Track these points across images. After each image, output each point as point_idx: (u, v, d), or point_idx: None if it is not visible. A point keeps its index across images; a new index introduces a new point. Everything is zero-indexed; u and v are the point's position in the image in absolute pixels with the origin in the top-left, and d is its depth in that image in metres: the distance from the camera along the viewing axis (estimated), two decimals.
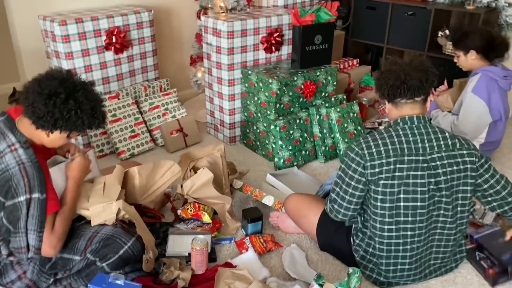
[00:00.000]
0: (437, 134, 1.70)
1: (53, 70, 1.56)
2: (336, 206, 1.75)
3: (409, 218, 1.66)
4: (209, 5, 3.14)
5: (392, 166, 1.63)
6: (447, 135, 1.71)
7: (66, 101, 1.48)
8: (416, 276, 1.77)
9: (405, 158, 1.64)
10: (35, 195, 1.52)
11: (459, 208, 1.73)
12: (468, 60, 2.59)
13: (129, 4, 3.14)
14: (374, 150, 1.64)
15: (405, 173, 1.63)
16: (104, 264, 1.63)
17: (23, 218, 1.53)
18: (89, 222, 1.73)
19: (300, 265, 1.88)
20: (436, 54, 3.49)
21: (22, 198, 1.51)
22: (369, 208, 1.71)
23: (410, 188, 1.64)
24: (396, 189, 1.64)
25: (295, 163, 2.70)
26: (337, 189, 1.74)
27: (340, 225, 1.84)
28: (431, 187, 1.66)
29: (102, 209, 1.70)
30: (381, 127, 2.74)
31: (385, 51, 3.82)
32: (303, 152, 2.74)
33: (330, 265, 1.92)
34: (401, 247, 1.69)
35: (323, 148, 2.78)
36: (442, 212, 1.71)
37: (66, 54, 2.61)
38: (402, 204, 1.65)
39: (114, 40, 2.76)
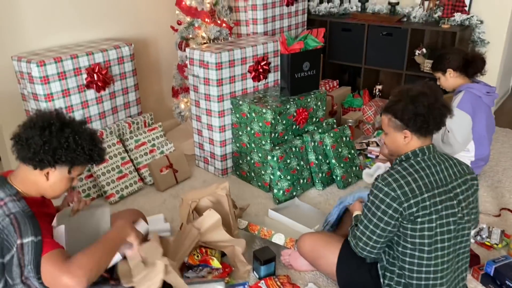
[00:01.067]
0: (449, 161, 1.68)
1: (42, 110, 1.52)
2: (361, 244, 1.67)
3: (445, 251, 1.63)
4: (190, 36, 3.07)
5: (427, 203, 1.58)
6: (454, 161, 1.69)
7: (62, 129, 1.44)
8: None
9: (436, 191, 1.60)
10: (28, 239, 1.38)
11: (468, 232, 1.72)
12: (448, 79, 2.66)
13: (104, 38, 3.01)
14: (407, 189, 1.57)
15: (439, 207, 1.59)
16: None
17: (16, 272, 1.39)
18: (98, 283, 1.58)
19: None
20: (414, 72, 3.57)
21: (14, 248, 1.38)
22: (401, 245, 1.65)
23: (444, 221, 1.61)
24: (434, 224, 1.59)
25: (294, 193, 2.64)
26: (362, 227, 1.67)
27: (361, 261, 1.78)
28: (459, 215, 1.64)
29: (146, 273, 1.57)
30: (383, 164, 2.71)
31: (363, 71, 3.86)
32: (301, 181, 2.68)
33: None
34: (438, 281, 1.64)
35: (320, 175, 2.74)
36: (465, 238, 1.70)
37: (46, 96, 2.44)
38: (439, 238, 1.61)
39: (95, 77, 2.61)
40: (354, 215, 1.86)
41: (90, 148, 1.48)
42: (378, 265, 1.73)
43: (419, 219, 1.58)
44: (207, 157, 2.97)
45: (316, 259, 1.90)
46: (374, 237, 1.64)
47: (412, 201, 1.57)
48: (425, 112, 1.61)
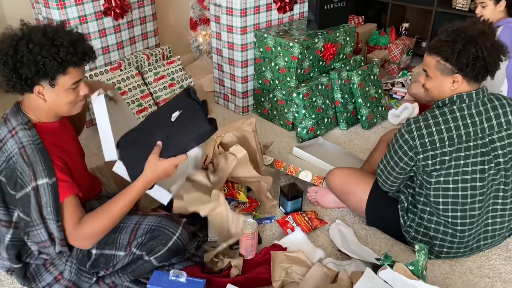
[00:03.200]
0: (497, 109, 1.55)
1: (4, 31, 1.35)
2: (382, 178, 1.70)
3: (467, 206, 1.58)
4: None
5: (447, 157, 1.50)
6: (508, 109, 1.56)
7: (16, 44, 1.28)
8: (466, 253, 1.71)
9: (463, 145, 1.50)
10: (42, 180, 1.32)
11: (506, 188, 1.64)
12: (496, 11, 2.48)
13: None
14: (427, 140, 1.50)
15: (462, 162, 1.51)
16: (152, 258, 1.47)
17: (34, 209, 1.34)
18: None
19: (352, 243, 1.79)
20: (445, 9, 3.37)
21: (29, 187, 1.33)
22: (422, 189, 1.62)
23: (469, 176, 1.53)
24: (451, 178, 1.53)
25: (318, 132, 2.57)
26: (382, 165, 1.69)
27: (392, 201, 1.74)
28: (491, 171, 1.56)
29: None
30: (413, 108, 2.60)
31: (390, 7, 3.65)
32: (326, 120, 2.60)
33: (380, 239, 1.84)
34: (458, 230, 1.61)
35: (345, 114, 2.65)
36: (500, 193, 1.64)
37: (62, 21, 2.31)
38: (460, 193, 1.55)
39: (113, 3, 2.47)
40: None
41: (52, 51, 1.28)
42: (399, 206, 1.70)
43: (434, 173, 1.53)
44: (227, 93, 2.87)
45: (345, 194, 1.86)
46: (393, 175, 1.66)
47: (429, 153, 1.50)
48: (487, 55, 1.46)
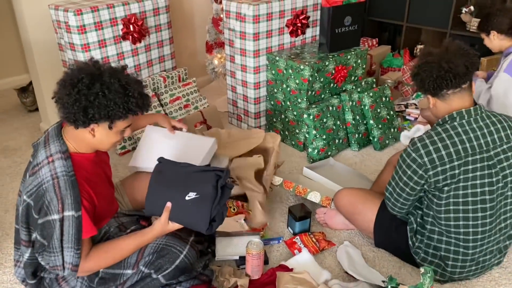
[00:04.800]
0: (496, 124, 1.58)
1: (78, 62, 1.42)
2: (392, 201, 1.70)
3: (479, 222, 1.57)
4: None
5: (456, 171, 1.52)
6: (505, 124, 1.59)
7: (91, 85, 1.33)
8: (478, 270, 1.69)
9: (470, 158, 1.52)
10: (69, 213, 1.38)
11: None
12: (492, 41, 2.53)
13: None
14: (435, 156, 1.51)
15: (470, 175, 1.52)
16: (160, 276, 1.51)
17: (57, 238, 1.39)
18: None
19: (359, 264, 1.79)
20: (460, 32, 3.38)
21: (55, 217, 1.38)
22: (430, 209, 1.62)
23: (479, 190, 1.54)
24: (461, 192, 1.54)
25: (329, 153, 2.59)
26: (390, 188, 1.68)
27: (400, 222, 1.74)
28: (499, 184, 1.56)
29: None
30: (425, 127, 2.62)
31: (405, 29, 3.68)
32: (337, 141, 2.62)
33: (388, 262, 1.84)
34: (470, 247, 1.60)
35: (356, 135, 2.67)
36: (508, 207, 1.63)
37: (82, 46, 2.43)
38: (470, 207, 1.55)
39: (131, 28, 2.58)
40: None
41: (124, 101, 1.36)
42: (408, 227, 1.70)
43: (445, 188, 1.54)
44: (241, 114, 2.93)
45: (353, 214, 1.87)
46: (402, 198, 1.65)
47: (439, 169, 1.52)
48: (435, 71, 1.54)
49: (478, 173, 1.53)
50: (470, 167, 1.52)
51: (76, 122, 1.37)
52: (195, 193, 1.49)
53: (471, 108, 1.57)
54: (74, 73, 1.36)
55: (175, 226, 1.52)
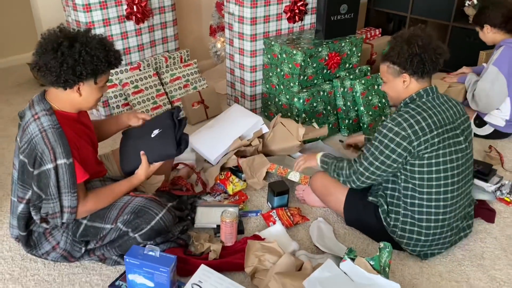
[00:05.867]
0: (450, 102, 1.73)
1: (45, 32, 1.53)
2: (367, 174, 1.72)
3: (455, 186, 1.70)
4: None
5: (436, 139, 1.63)
6: (454, 102, 1.74)
7: (71, 45, 1.48)
8: (452, 237, 1.80)
9: (444, 128, 1.65)
10: (61, 161, 1.53)
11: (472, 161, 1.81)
12: (485, 34, 2.59)
13: None
14: (417, 127, 1.62)
15: (447, 142, 1.65)
16: (136, 235, 1.65)
17: (53, 185, 1.54)
18: None
19: (328, 239, 1.89)
20: (462, 25, 3.39)
21: (49, 166, 1.53)
22: (410, 183, 1.70)
23: (454, 156, 1.67)
24: (441, 159, 1.65)
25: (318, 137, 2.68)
26: (369, 162, 1.71)
27: (367, 202, 1.83)
28: (468, 151, 1.72)
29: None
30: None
31: (409, 21, 3.71)
32: (327, 126, 2.70)
33: (358, 239, 1.93)
34: (448, 211, 1.71)
35: (347, 121, 2.75)
36: (470, 177, 1.78)
37: (87, 23, 2.57)
38: (449, 173, 1.67)
39: (135, 9, 2.70)
40: (319, 161, 1.97)
41: (105, 55, 1.52)
42: (379, 210, 1.79)
43: (426, 155, 1.64)
44: (238, 96, 3.04)
45: (326, 195, 1.97)
46: (380, 170, 1.71)
47: (422, 139, 1.62)
48: (421, 52, 1.63)
49: (451, 141, 1.67)
50: (446, 135, 1.65)
51: (66, 83, 1.51)
52: (158, 129, 1.79)
53: (428, 87, 1.70)
54: (50, 40, 1.48)
55: (156, 165, 1.79)
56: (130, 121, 1.94)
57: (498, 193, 2.18)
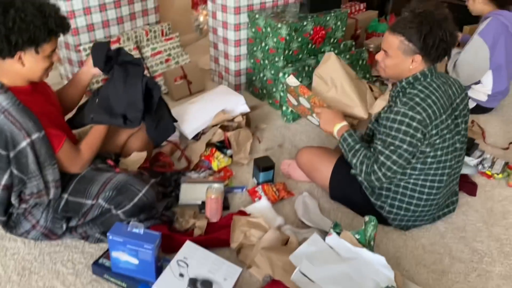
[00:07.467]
0: (449, 79, 1.70)
1: None
2: (388, 164, 1.60)
3: (451, 169, 1.71)
4: None
5: (442, 126, 1.61)
6: (452, 79, 1.71)
7: (5, 12, 1.38)
8: (432, 218, 1.84)
9: (447, 113, 1.62)
10: (34, 135, 1.48)
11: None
12: (475, 4, 2.54)
13: None
14: (430, 111, 1.57)
15: (449, 128, 1.63)
16: (119, 212, 1.62)
17: (33, 162, 1.50)
18: (102, 169, 1.71)
19: (314, 214, 1.89)
20: (448, 0, 3.36)
21: (24, 144, 1.48)
22: (406, 170, 1.69)
23: (453, 140, 1.67)
24: (442, 145, 1.64)
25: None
26: (389, 151, 1.59)
27: (353, 178, 1.83)
28: (463, 132, 1.71)
29: None
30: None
31: None
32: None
33: (342, 213, 1.94)
34: (438, 196, 1.73)
35: None
36: (462, 157, 1.78)
37: None
38: (449, 156, 1.67)
39: None
40: (340, 137, 1.75)
41: (43, 22, 1.42)
42: (366, 192, 1.79)
43: (437, 140, 1.63)
44: (222, 71, 2.98)
45: (311, 171, 1.96)
46: (402, 159, 1.60)
47: (434, 123, 1.59)
48: (449, 40, 1.56)
49: (452, 125, 1.65)
50: (449, 120, 1.63)
51: (1, 53, 1.42)
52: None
53: (432, 67, 1.64)
54: None
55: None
56: (92, 68, 1.80)
57: (480, 167, 2.21)
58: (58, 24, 1.48)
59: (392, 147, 1.60)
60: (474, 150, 2.26)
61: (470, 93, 2.66)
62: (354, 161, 1.69)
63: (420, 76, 1.63)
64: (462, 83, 2.58)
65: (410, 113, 1.56)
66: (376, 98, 2.51)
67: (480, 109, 2.70)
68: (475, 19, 2.77)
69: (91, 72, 1.82)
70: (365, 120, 2.40)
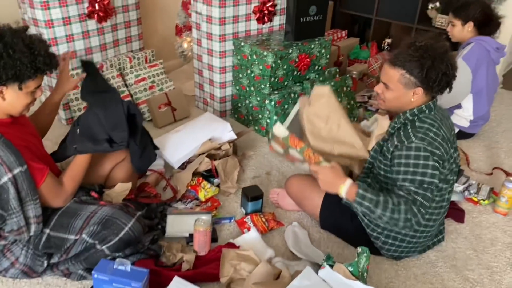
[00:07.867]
0: (444, 112, 1.71)
1: None
2: (423, 211, 1.52)
3: (445, 200, 1.70)
4: None
5: (449, 162, 1.61)
6: (445, 112, 1.72)
7: None
8: (423, 249, 1.83)
9: (449, 143, 1.61)
10: (16, 170, 1.43)
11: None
12: (463, 30, 2.59)
13: None
14: (445, 146, 1.56)
15: (450, 162, 1.62)
16: (104, 247, 1.55)
17: (14, 198, 1.44)
18: (86, 202, 1.64)
19: (304, 244, 1.86)
20: (425, 27, 3.46)
21: (5, 179, 1.42)
22: None
23: (451, 173, 1.66)
24: (444, 178, 1.62)
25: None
26: (424, 192, 1.52)
27: (345, 208, 1.80)
28: (457, 160, 1.71)
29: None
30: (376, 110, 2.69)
31: (374, 23, 3.75)
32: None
33: (333, 243, 1.91)
34: (432, 228, 1.72)
35: None
36: (453, 186, 1.78)
37: (46, 22, 2.42)
38: (447, 191, 1.67)
39: (97, 7, 2.57)
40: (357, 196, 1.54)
41: (31, 59, 1.39)
42: (362, 223, 1.76)
43: (448, 174, 1.63)
44: (207, 98, 2.96)
45: (301, 199, 1.94)
46: (432, 197, 1.55)
47: (447, 157, 1.58)
48: (452, 73, 1.56)
49: (452, 159, 1.63)
50: (451, 150, 1.62)
51: None
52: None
53: (435, 100, 1.64)
54: None
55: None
56: (64, 87, 1.79)
57: (466, 193, 2.22)
58: (47, 63, 1.45)
59: (425, 185, 1.52)
60: (460, 176, 2.28)
61: (452, 119, 2.70)
62: (388, 214, 1.50)
63: (425, 108, 1.60)
64: (443, 105, 2.63)
65: (430, 148, 1.52)
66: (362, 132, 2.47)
67: (463, 135, 2.75)
68: (454, 47, 2.83)
69: (64, 90, 1.81)
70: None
